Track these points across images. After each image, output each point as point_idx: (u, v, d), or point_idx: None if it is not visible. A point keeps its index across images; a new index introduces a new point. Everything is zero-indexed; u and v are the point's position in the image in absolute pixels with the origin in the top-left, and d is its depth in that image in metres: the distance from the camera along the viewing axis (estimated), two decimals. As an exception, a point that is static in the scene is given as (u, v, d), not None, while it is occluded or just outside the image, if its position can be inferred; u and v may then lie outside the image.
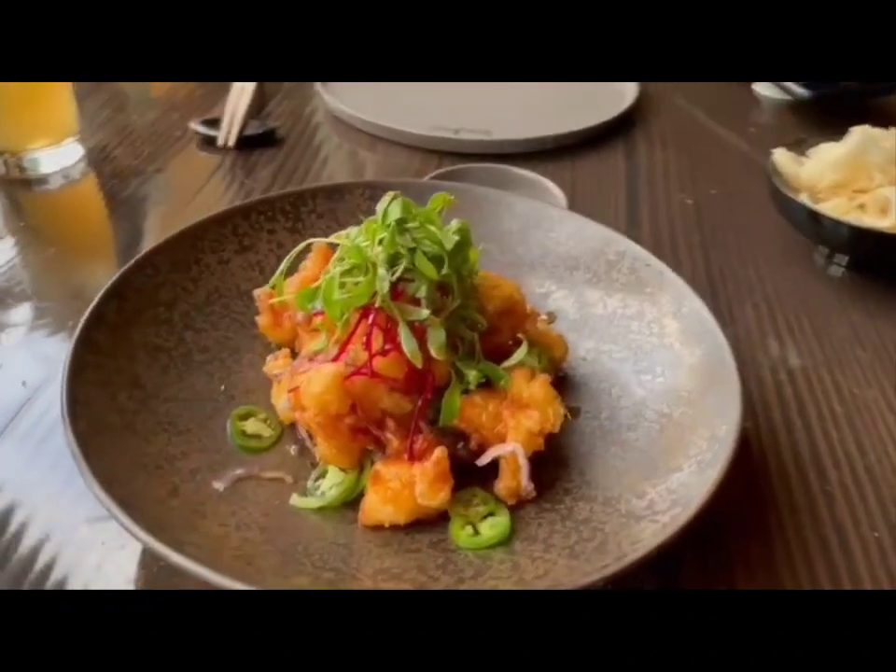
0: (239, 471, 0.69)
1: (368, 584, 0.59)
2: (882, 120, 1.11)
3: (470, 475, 0.70)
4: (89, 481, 0.58)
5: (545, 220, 0.91)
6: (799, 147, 1.10)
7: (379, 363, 0.65)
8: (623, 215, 1.14)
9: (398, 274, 0.65)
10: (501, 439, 0.68)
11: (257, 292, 0.80)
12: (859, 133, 1.02)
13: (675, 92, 1.52)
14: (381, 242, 0.65)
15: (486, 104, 1.38)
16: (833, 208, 1.00)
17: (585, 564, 0.59)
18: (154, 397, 0.72)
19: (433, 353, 0.65)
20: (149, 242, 0.99)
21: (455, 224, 0.68)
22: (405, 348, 0.64)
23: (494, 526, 0.65)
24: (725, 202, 1.19)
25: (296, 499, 0.67)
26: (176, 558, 0.53)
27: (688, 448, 0.68)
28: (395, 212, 0.65)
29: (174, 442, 0.69)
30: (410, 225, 0.66)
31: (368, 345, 0.65)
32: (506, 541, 0.65)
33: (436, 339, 0.65)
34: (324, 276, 0.67)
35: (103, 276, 0.85)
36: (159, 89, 1.47)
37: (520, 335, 0.72)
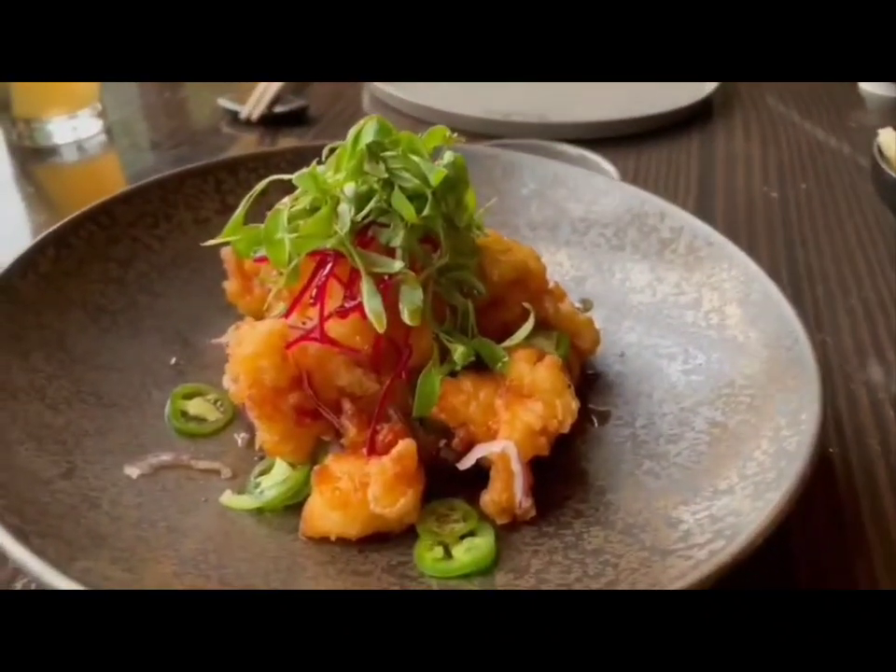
0: (164, 457, 0.55)
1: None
2: None
3: (456, 484, 0.54)
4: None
5: (588, 191, 0.76)
6: (912, 129, 0.91)
7: (335, 326, 0.51)
8: (693, 205, 0.97)
9: (365, 213, 0.50)
10: (493, 437, 0.52)
11: (224, 252, 0.67)
12: None
13: (766, 89, 1.34)
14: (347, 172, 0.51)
15: (543, 85, 1.23)
16: (954, 196, 0.80)
17: (581, 609, 0.42)
18: (80, 362, 0.59)
19: (405, 317, 0.50)
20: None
21: (447, 157, 0.53)
22: (366, 307, 0.49)
23: (471, 550, 0.49)
24: (818, 197, 1.00)
25: (228, 497, 0.53)
26: (15, 550, 0.40)
27: (744, 465, 0.50)
28: (369, 134, 0.51)
29: (90, 416, 0.56)
30: (387, 153, 0.52)
31: (318, 301, 0.50)
32: (486, 571, 0.48)
33: (410, 299, 0.50)
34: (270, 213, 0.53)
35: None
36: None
37: (527, 305, 0.56)
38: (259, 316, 0.65)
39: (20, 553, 0.40)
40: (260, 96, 1.15)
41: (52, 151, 1.07)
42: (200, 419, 0.59)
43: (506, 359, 0.53)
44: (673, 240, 0.70)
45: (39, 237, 0.63)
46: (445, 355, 0.53)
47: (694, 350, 0.63)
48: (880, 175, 0.86)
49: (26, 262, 0.61)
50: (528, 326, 0.54)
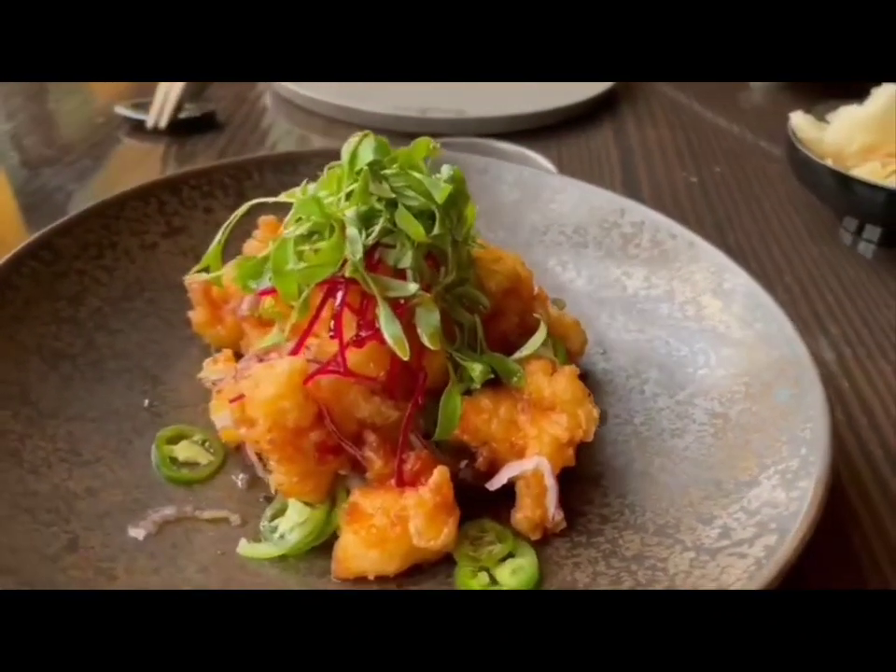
0: (166, 511, 0.51)
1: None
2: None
3: (473, 504, 0.53)
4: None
5: (544, 190, 0.76)
6: (815, 111, 0.97)
7: (353, 356, 0.48)
8: (621, 192, 0.98)
9: (374, 236, 0.48)
10: (518, 453, 0.51)
11: (188, 279, 0.62)
12: (891, 90, 0.89)
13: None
14: (349, 194, 0.49)
15: (458, 80, 1.22)
16: (868, 173, 0.86)
17: (655, 621, 0.42)
18: (50, 416, 0.54)
19: (425, 341, 0.48)
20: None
21: (445, 171, 0.52)
22: (386, 334, 0.47)
23: (517, 572, 0.48)
24: (733, 179, 1.05)
25: (245, 547, 0.50)
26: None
27: (761, 455, 0.52)
28: (367, 153, 0.49)
29: (76, 476, 0.51)
30: (387, 171, 0.50)
31: (337, 332, 0.48)
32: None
33: (428, 322, 0.48)
34: (273, 242, 0.50)
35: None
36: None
37: (538, 315, 0.55)
38: (232, 346, 0.61)
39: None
40: (163, 103, 1.08)
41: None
42: (191, 464, 0.55)
43: (521, 373, 0.52)
44: (635, 234, 0.71)
45: (-22, 281, 0.56)
46: (460, 374, 0.51)
47: (676, 342, 0.65)
48: (796, 154, 0.91)
49: (-29, 310, 0.54)
50: (540, 336, 0.54)
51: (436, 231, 0.49)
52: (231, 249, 0.70)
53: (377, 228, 0.48)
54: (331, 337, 0.48)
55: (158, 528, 0.50)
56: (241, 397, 0.49)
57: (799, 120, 0.94)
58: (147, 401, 0.59)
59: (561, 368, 0.52)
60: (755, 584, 0.41)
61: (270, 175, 0.75)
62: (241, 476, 0.55)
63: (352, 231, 0.47)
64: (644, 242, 0.71)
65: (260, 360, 0.53)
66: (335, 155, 0.76)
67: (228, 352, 0.60)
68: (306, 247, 0.48)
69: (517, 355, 0.54)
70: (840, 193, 0.89)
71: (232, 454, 0.57)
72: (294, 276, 0.47)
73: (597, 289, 0.71)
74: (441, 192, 0.49)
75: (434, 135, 1.08)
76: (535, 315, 0.55)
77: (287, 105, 1.18)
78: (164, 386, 0.61)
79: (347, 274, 0.47)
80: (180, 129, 1.08)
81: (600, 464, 0.57)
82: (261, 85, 1.24)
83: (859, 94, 0.96)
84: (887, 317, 0.81)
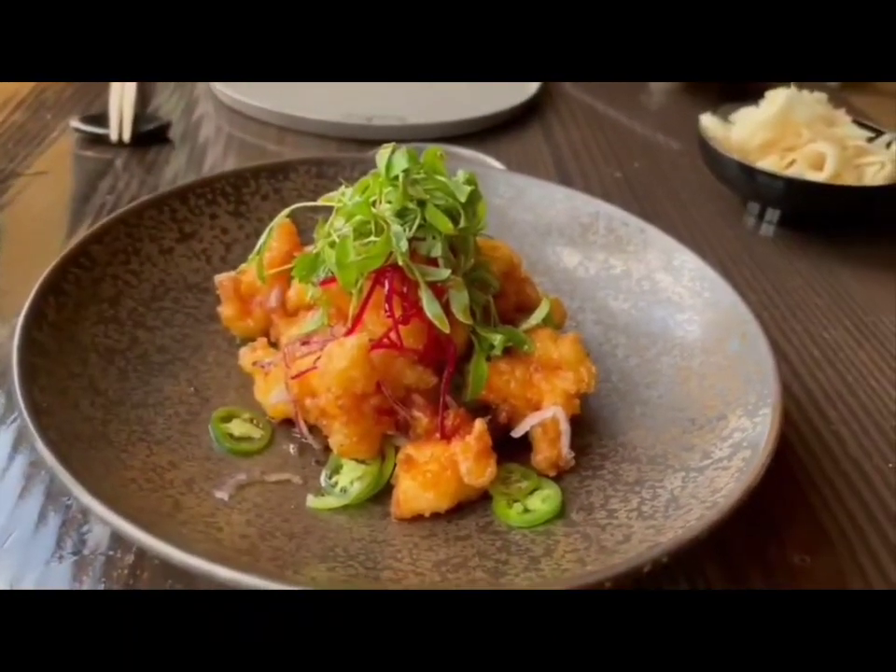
0: (240, 477, 0.59)
1: (435, 578, 0.51)
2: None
3: (498, 451, 0.63)
4: (86, 499, 0.46)
5: (506, 188, 0.87)
6: (720, 112, 1.12)
7: (402, 332, 0.57)
8: (561, 190, 1.11)
9: (413, 231, 0.57)
10: (533, 406, 0.62)
11: (218, 278, 0.70)
12: (784, 94, 1.05)
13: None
14: (389, 196, 0.58)
15: (398, 88, 1.32)
16: (769, 165, 1.01)
17: (668, 520, 0.54)
18: (119, 403, 0.60)
19: (459, 316, 0.58)
20: (53, 249, 0.86)
21: (462, 174, 0.61)
22: (429, 312, 0.57)
23: (546, 500, 0.59)
24: (650, 173, 1.19)
25: (313, 500, 0.58)
26: (219, 571, 0.44)
27: (724, 395, 0.64)
28: (401, 162, 0.58)
29: (156, 452, 0.58)
30: (417, 176, 0.59)
31: (391, 312, 0.57)
32: (560, 515, 0.59)
33: (460, 300, 0.58)
34: (323, 241, 0.59)
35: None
36: (20, 89, 1.29)
37: (541, 292, 0.66)
38: (258, 337, 0.69)
39: (226, 573, 0.44)
40: (120, 117, 1.13)
41: None
42: (246, 438, 0.63)
43: (530, 341, 0.63)
44: (592, 224, 0.83)
45: (35, 287, 0.62)
46: (483, 344, 0.61)
47: (637, 312, 0.77)
48: (707, 150, 1.06)
49: (35, 313, 0.60)
50: (544, 309, 0.64)
51: (462, 224, 0.59)
52: (238, 248, 0.79)
53: (413, 224, 0.57)
54: (387, 317, 0.57)
55: (236, 490, 0.57)
56: (302, 374, 0.58)
57: (707, 121, 1.09)
58: (192, 388, 0.66)
59: (563, 335, 0.63)
60: (741, 486, 0.53)
61: (265, 181, 0.82)
62: (291, 446, 0.63)
63: (396, 227, 0.56)
64: (600, 230, 0.82)
65: (304, 343, 0.62)
66: (319, 162, 0.85)
67: (263, 340, 0.67)
68: (356, 243, 0.57)
69: (524, 326, 0.64)
70: (745, 182, 1.04)
71: (278, 428, 0.65)
72: (354, 268, 0.56)
73: (563, 272, 0.82)
74: (464, 193, 0.59)
75: (380, 141, 1.18)
76: (540, 293, 0.66)
77: (238, 117, 1.24)
78: (205, 375, 0.68)
79: (399, 263, 0.56)
80: (138, 142, 1.12)
81: (590, 415, 0.69)
82: (204, 96, 1.29)
83: (749, 94, 1.12)
84: (792, 285, 0.97)
